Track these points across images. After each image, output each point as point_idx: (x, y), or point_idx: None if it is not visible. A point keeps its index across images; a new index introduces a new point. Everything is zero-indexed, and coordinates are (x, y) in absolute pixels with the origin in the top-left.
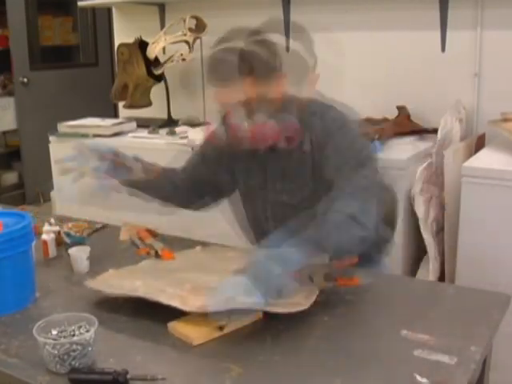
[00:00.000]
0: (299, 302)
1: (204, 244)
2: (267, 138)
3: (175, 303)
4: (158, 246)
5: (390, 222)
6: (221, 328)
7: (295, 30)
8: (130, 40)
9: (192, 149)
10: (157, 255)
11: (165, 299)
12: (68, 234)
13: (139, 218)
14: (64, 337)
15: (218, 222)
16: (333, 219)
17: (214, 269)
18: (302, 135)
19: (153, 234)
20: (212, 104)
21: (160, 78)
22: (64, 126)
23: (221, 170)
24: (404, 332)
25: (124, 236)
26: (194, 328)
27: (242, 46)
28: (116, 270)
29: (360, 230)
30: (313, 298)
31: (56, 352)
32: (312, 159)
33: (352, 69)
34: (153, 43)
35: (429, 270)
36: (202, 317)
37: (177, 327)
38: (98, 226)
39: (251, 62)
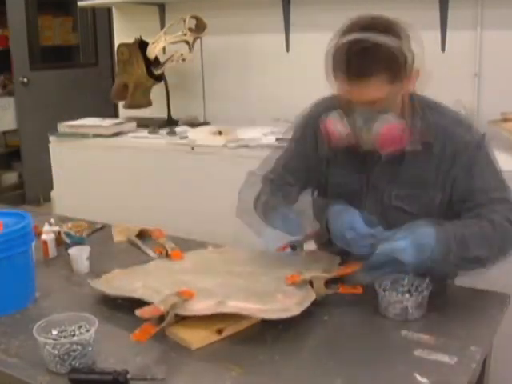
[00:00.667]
0: (290, 307)
1: (216, 245)
2: (397, 141)
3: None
4: (170, 245)
5: None
6: (219, 332)
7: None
8: (130, 40)
9: (192, 148)
10: (167, 255)
11: (158, 301)
12: (68, 234)
13: (139, 218)
14: (64, 337)
15: (217, 222)
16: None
17: (217, 271)
18: (428, 137)
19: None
20: (212, 104)
21: (160, 78)
22: (64, 126)
23: (318, 160)
24: (404, 332)
25: (119, 237)
26: (192, 332)
27: (381, 38)
28: (121, 270)
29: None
30: (305, 305)
31: (56, 352)
32: (440, 169)
33: None
34: (153, 43)
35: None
36: (201, 320)
37: (175, 331)
38: (98, 226)
39: (396, 55)
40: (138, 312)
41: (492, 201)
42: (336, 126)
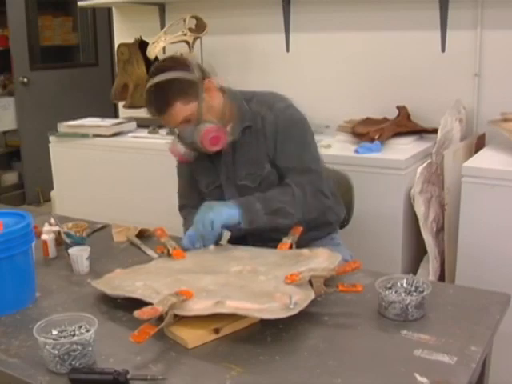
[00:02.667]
0: (288, 307)
1: (216, 243)
2: (217, 139)
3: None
4: (171, 244)
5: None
6: (216, 331)
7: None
8: (130, 40)
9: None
10: (169, 254)
11: (156, 301)
12: (68, 234)
13: (139, 218)
14: (64, 337)
15: None
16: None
17: (217, 270)
18: (246, 122)
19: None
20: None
21: None
22: (64, 126)
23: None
24: (404, 332)
25: (118, 238)
26: (189, 331)
27: (158, 79)
28: (123, 270)
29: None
30: (304, 305)
31: (56, 352)
32: (266, 146)
33: (352, 69)
34: (153, 43)
35: (429, 270)
36: (198, 320)
37: (173, 330)
38: (98, 225)
39: (173, 89)
40: (136, 313)
41: (293, 167)
42: (175, 148)
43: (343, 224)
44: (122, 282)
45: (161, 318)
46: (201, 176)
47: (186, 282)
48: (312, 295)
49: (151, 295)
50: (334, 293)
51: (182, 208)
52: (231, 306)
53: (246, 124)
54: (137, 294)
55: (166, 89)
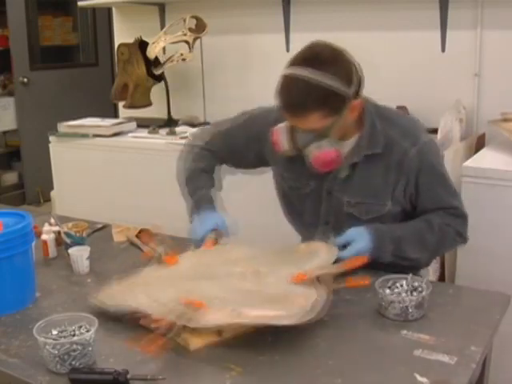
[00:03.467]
0: (307, 310)
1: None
2: (328, 165)
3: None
4: (161, 250)
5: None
6: (219, 333)
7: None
8: (130, 40)
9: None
10: (160, 260)
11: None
12: (68, 234)
13: (138, 218)
14: (64, 337)
15: None
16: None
17: (218, 274)
18: (376, 148)
19: (152, 235)
20: (212, 104)
21: (160, 78)
22: (64, 126)
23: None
24: (404, 332)
25: (118, 238)
26: (191, 332)
27: (312, 74)
28: (119, 283)
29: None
30: (321, 306)
31: (56, 352)
32: (397, 181)
33: None
34: (153, 43)
35: (429, 270)
36: None
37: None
38: (98, 225)
39: (333, 92)
40: (144, 322)
41: (438, 208)
42: (280, 138)
43: None
44: (123, 297)
45: (169, 328)
46: (289, 174)
47: (192, 291)
48: (324, 294)
49: (159, 309)
50: (334, 292)
51: (202, 148)
52: (249, 315)
53: (376, 151)
54: (142, 309)
55: (312, 91)
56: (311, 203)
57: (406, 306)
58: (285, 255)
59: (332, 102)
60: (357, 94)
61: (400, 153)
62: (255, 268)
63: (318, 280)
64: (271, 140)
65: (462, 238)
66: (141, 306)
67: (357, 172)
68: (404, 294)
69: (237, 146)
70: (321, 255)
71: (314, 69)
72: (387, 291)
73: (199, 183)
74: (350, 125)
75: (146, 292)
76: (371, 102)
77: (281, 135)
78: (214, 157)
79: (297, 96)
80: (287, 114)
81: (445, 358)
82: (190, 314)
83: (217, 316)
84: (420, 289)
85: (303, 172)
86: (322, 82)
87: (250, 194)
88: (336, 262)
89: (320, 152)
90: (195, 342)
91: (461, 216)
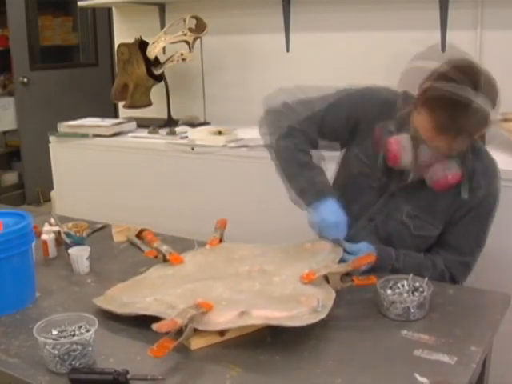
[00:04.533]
0: (316, 310)
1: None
2: (449, 186)
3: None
4: (165, 249)
5: None
6: (221, 334)
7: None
8: (130, 40)
9: (192, 148)
10: (165, 259)
11: (175, 314)
12: (68, 234)
13: (139, 218)
14: (64, 337)
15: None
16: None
17: (224, 273)
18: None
19: (154, 234)
20: (212, 104)
21: (160, 78)
22: (64, 126)
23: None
24: (404, 332)
25: (118, 238)
26: (194, 332)
27: (478, 99)
28: (123, 284)
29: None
30: (330, 305)
31: (56, 352)
32: (453, 210)
33: (352, 69)
34: (153, 43)
35: None
36: None
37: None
38: (98, 226)
39: (487, 115)
40: (155, 326)
41: (457, 248)
42: (400, 150)
43: None
44: (130, 298)
45: (179, 332)
46: (368, 160)
47: (198, 291)
48: (333, 293)
49: (166, 311)
50: (347, 288)
51: (295, 130)
52: (259, 315)
53: (464, 194)
54: (151, 311)
55: (472, 115)
56: (370, 196)
57: (408, 307)
58: (290, 253)
59: (481, 128)
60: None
61: (473, 187)
62: (261, 267)
63: (327, 279)
64: (386, 146)
65: (454, 282)
66: (150, 307)
67: (428, 189)
68: (406, 295)
69: (335, 123)
70: (326, 254)
71: (476, 90)
72: (389, 291)
73: (316, 169)
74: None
75: (153, 293)
76: None
77: (402, 147)
78: (307, 140)
79: (454, 117)
80: (434, 131)
81: (445, 358)
82: (199, 316)
83: (226, 318)
84: (421, 289)
85: (381, 164)
86: (481, 107)
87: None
88: (340, 261)
89: (446, 173)
90: (197, 342)
91: (468, 267)
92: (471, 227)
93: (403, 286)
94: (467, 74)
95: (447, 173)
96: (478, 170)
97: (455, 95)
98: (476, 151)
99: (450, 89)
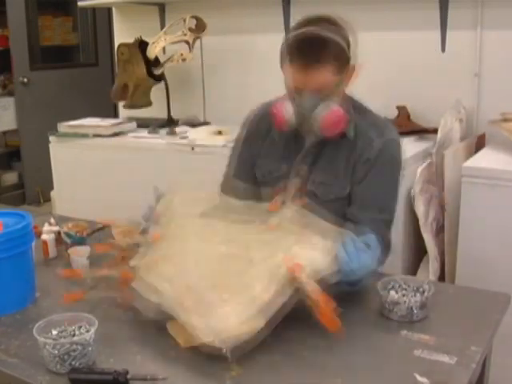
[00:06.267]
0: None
1: None
2: (336, 125)
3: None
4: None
5: None
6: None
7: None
8: (130, 40)
9: (192, 148)
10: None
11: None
12: (68, 234)
13: (138, 218)
14: (64, 337)
15: None
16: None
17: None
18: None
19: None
20: (212, 104)
21: (160, 78)
22: (64, 126)
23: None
24: (404, 332)
25: (119, 238)
26: (184, 331)
27: (327, 31)
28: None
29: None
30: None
31: (56, 352)
32: (354, 167)
33: None
34: (153, 43)
35: (429, 269)
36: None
37: (173, 327)
38: (98, 226)
39: (343, 48)
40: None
41: (373, 220)
42: (283, 107)
43: None
44: (152, 276)
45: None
46: (264, 160)
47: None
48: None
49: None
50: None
51: (223, 191)
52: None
53: (350, 133)
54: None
55: (327, 45)
56: (279, 185)
57: (411, 307)
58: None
59: (341, 59)
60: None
61: (365, 142)
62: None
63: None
64: (271, 113)
65: (387, 249)
66: (163, 296)
67: (324, 153)
68: (410, 295)
69: (247, 164)
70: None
71: (326, 26)
72: (391, 292)
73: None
74: (341, 95)
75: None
76: (346, 93)
77: (283, 105)
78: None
79: (312, 49)
80: (300, 68)
81: (445, 358)
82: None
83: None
84: (422, 289)
85: (279, 156)
86: (335, 38)
87: None
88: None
89: (328, 112)
90: (185, 341)
91: (388, 225)
92: (380, 182)
93: (403, 286)
94: (315, 18)
95: (330, 107)
96: (364, 125)
97: (307, 33)
98: (358, 111)
99: (303, 30)
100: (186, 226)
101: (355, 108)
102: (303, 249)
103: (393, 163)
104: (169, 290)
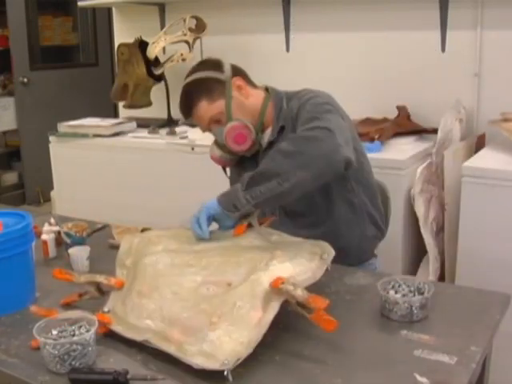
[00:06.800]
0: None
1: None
2: (241, 137)
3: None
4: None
5: (375, 216)
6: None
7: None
8: (130, 40)
9: (192, 148)
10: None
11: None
12: (68, 234)
13: (139, 218)
14: (64, 337)
15: None
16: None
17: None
18: (281, 122)
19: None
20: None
21: (160, 78)
22: (64, 126)
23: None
24: (404, 332)
25: (119, 238)
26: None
27: (186, 81)
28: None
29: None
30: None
31: (56, 352)
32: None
33: (352, 69)
34: (153, 43)
35: (429, 269)
36: None
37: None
38: (98, 226)
39: (197, 89)
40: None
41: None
42: (212, 152)
43: None
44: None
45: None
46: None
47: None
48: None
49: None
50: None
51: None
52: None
53: (280, 124)
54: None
55: (191, 89)
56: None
57: (411, 307)
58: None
59: (210, 87)
60: (233, 76)
61: (293, 113)
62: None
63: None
64: (214, 162)
65: (327, 129)
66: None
67: (266, 153)
68: (410, 295)
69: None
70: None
71: (188, 76)
72: (391, 292)
73: None
74: (253, 108)
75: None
76: (279, 91)
77: (211, 149)
78: None
79: (183, 99)
80: (189, 117)
81: (445, 358)
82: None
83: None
84: (421, 289)
85: (237, 177)
86: (194, 78)
87: None
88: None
89: (227, 128)
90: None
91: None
92: (301, 114)
93: (404, 286)
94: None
95: (227, 127)
96: (292, 106)
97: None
98: (290, 99)
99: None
100: (155, 262)
101: (288, 98)
102: (282, 262)
103: (309, 100)
104: (152, 326)
